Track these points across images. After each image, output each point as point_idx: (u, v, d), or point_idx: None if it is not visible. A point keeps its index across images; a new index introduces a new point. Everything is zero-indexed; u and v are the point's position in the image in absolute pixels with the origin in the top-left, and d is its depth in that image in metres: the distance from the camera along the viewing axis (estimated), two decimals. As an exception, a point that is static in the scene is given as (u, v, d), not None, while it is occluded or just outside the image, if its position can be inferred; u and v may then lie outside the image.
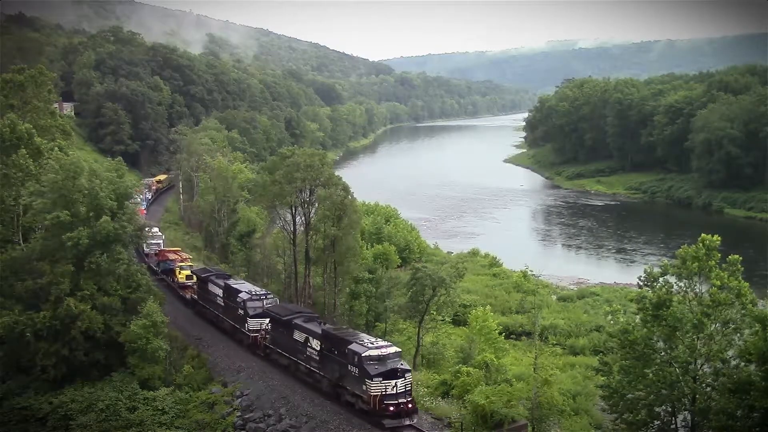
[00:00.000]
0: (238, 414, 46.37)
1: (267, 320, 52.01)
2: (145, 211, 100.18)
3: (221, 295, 58.23)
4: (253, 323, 53.16)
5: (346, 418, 42.37)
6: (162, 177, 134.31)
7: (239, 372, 52.09)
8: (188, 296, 68.18)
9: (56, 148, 59.54)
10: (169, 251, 78.28)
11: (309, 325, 47.26)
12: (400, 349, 42.94)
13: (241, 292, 55.29)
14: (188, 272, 69.71)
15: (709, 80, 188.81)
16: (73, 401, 47.85)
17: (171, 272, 73.53)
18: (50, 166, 53.31)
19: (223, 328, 58.84)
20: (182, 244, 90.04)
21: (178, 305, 67.24)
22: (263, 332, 52.36)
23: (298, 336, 47.19)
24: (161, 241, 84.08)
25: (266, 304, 53.76)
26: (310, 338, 45.97)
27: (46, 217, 50.51)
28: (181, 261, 73.46)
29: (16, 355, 49.97)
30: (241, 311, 54.55)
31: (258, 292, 55.06)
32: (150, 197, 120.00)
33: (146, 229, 77.11)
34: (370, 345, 41.33)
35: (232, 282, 58.83)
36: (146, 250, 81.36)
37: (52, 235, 50.80)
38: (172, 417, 47.33)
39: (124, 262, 53.46)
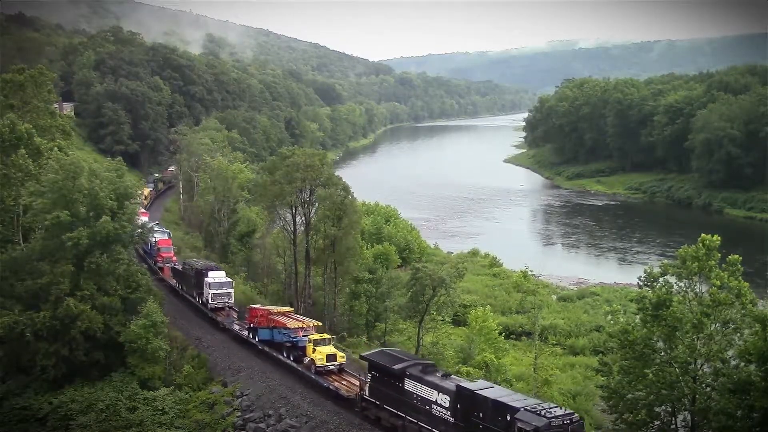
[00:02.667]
0: (238, 414, 46.41)
1: None
2: (170, 242, 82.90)
3: (447, 405, 35.89)
4: None
5: (347, 418, 42.38)
6: (147, 191, 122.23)
7: (239, 372, 52.10)
8: (341, 389, 44.78)
9: (56, 148, 59.53)
10: (280, 313, 53.45)
11: None
12: None
13: (515, 409, 31.74)
14: (330, 349, 47.66)
15: (709, 80, 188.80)
16: (73, 401, 47.92)
17: (293, 347, 50.07)
18: (50, 166, 53.36)
19: None
20: (182, 244, 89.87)
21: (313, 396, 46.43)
22: None
23: None
24: (232, 290, 63.92)
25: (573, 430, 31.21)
26: None
27: (46, 217, 50.53)
28: (304, 327, 50.42)
29: (16, 355, 49.99)
30: None
31: (554, 412, 31.30)
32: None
33: (185, 260, 67.34)
34: None
35: (472, 386, 35.47)
36: (211, 302, 62.64)
37: (52, 235, 50.82)
38: (172, 417, 47.38)
39: (124, 262, 53.50)
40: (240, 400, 47.99)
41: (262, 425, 44.43)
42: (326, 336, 49.64)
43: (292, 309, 56.90)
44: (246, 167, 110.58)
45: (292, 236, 69.02)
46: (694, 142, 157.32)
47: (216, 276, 63.78)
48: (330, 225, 62.75)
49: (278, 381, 49.16)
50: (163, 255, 78.97)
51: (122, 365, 51.49)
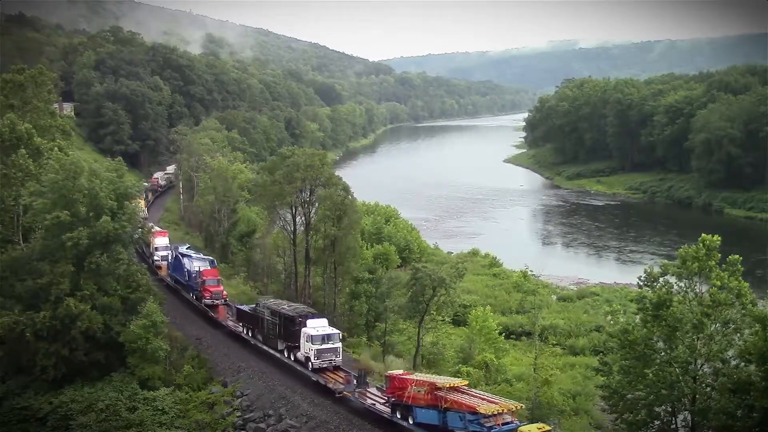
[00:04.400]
0: (238, 414, 46.44)
1: None
2: (217, 272, 68.00)
3: None
4: None
5: (346, 417, 42.37)
6: (141, 202, 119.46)
7: (239, 372, 52.13)
8: None
9: (56, 148, 59.56)
10: (453, 389, 37.59)
11: None
12: None
13: None
14: None
15: (709, 80, 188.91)
16: (73, 401, 47.90)
17: None
18: (50, 166, 53.37)
19: None
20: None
21: None
22: None
23: None
24: (340, 345, 48.63)
25: None
26: None
27: (46, 217, 50.53)
28: (502, 412, 35.24)
29: (16, 355, 49.98)
30: None
31: None
32: None
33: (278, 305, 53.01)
34: None
35: None
36: (314, 360, 47.28)
37: (52, 235, 50.81)
38: (172, 417, 47.38)
39: (124, 262, 53.49)
40: (240, 400, 48.01)
41: (262, 425, 44.44)
42: (545, 428, 34.92)
43: (466, 382, 40.41)
44: (246, 167, 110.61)
45: (292, 236, 69.07)
46: (694, 142, 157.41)
47: (318, 326, 48.72)
48: (330, 225, 62.78)
49: (278, 381, 49.18)
50: (211, 289, 64.42)
51: (122, 365, 51.49)
